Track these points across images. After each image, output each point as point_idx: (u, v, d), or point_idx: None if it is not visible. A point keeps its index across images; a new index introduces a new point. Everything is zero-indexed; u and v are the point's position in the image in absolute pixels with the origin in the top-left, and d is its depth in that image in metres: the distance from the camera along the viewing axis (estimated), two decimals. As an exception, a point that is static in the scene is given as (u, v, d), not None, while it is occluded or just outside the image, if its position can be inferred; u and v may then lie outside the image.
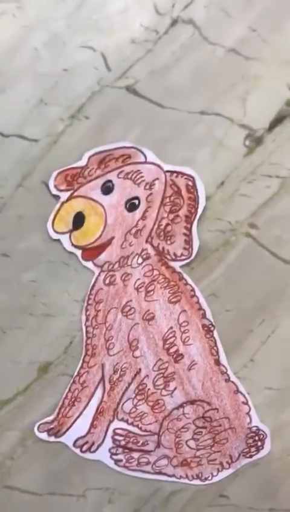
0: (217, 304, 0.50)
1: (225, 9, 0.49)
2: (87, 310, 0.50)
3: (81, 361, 0.50)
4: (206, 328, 0.49)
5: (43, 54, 0.50)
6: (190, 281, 0.50)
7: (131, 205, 0.49)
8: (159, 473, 0.50)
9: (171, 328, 0.49)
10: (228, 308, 0.50)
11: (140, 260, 0.50)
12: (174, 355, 0.49)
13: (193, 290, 0.50)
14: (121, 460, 0.50)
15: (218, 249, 0.50)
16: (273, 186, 0.50)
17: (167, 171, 0.49)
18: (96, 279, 0.50)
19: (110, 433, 0.50)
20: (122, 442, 0.50)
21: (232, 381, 0.50)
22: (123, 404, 0.50)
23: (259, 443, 0.50)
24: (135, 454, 0.50)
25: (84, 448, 0.50)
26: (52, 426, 0.50)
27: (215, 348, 0.50)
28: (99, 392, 0.50)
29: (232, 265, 0.50)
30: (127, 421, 0.50)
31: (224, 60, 0.49)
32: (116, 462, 0.50)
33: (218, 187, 0.50)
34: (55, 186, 0.50)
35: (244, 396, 0.50)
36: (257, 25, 0.49)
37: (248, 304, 0.50)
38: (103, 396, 0.50)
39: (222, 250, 0.50)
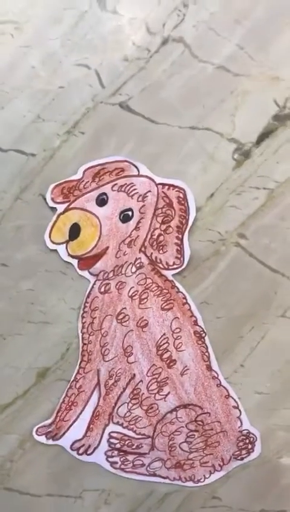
0: (208, 311, 0.51)
1: (214, 28, 0.50)
2: (83, 317, 0.51)
3: (77, 367, 0.51)
4: (198, 335, 0.51)
5: (40, 71, 0.51)
6: (181, 289, 0.51)
7: (125, 216, 0.51)
8: (154, 474, 0.51)
9: (164, 334, 0.51)
10: (219, 316, 0.51)
11: (134, 269, 0.51)
12: (168, 361, 0.51)
13: (184, 297, 0.51)
14: (116, 463, 0.51)
15: (209, 258, 0.51)
16: (261, 197, 0.51)
17: (159, 184, 0.51)
18: (92, 287, 0.51)
19: (106, 436, 0.52)
20: (118, 445, 0.51)
21: (224, 386, 0.51)
22: (118, 408, 0.51)
23: (249, 446, 0.51)
24: (130, 457, 0.51)
25: (81, 451, 0.51)
26: (50, 429, 0.52)
27: (206, 353, 0.51)
28: (95, 396, 0.51)
29: (222, 273, 0.51)
30: (122, 425, 0.51)
31: (213, 76, 0.50)
32: (112, 464, 0.51)
33: (208, 199, 0.51)
34: (52, 199, 0.51)
35: (235, 400, 0.51)
36: (244, 42, 0.50)
37: (238, 311, 0.51)
38: (98, 401, 0.51)
39: (212, 260, 0.51)
